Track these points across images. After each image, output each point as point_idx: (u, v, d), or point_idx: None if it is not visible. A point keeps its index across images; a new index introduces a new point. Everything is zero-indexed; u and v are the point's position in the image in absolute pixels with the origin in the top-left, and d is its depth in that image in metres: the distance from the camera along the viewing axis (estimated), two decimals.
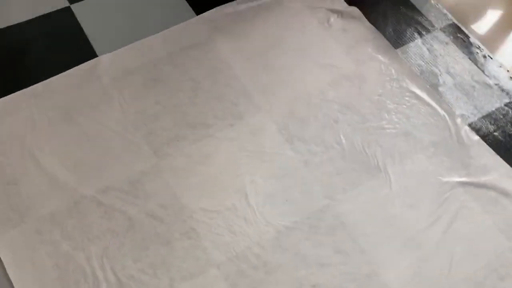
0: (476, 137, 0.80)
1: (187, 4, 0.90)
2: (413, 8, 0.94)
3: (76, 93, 0.79)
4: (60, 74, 0.81)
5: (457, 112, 0.82)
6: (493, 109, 0.83)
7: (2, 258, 0.65)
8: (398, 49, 0.88)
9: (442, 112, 0.82)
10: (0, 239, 0.66)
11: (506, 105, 0.83)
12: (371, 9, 0.92)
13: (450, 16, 0.93)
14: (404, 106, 0.82)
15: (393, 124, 0.80)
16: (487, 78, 0.86)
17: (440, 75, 0.86)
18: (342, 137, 0.78)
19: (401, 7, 0.94)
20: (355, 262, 0.68)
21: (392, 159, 0.77)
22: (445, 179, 0.75)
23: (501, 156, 0.77)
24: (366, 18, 0.90)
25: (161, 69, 0.81)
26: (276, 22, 0.88)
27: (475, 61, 0.88)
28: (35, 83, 0.78)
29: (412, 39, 0.90)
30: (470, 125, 0.81)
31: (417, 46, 0.89)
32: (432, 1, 0.94)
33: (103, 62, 0.81)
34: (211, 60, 0.83)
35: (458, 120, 0.81)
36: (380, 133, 0.79)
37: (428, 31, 0.91)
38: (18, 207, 0.68)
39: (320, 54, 0.85)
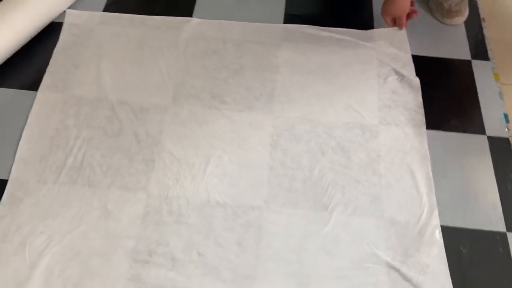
0: (440, 242, 0.73)
1: (284, 10, 0.99)
2: (474, 105, 0.87)
3: (158, 33, 0.94)
4: (159, 17, 0.97)
5: (442, 212, 0.75)
6: (482, 228, 0.74)
7: (33, 106, 0.83)
8: (430, 130, 0.83)
9: (424, 201, 0.77)
10: (41, 93, 0.85)
11: (497, 235, 0.74)
12: (436, 84, 0.89)
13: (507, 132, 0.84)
14: (393, 178, 0.79)
15: (370, 184, 0.78)
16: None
17: (447, 177, 0.79)
18: (317, 168, 0.79)
19: (464, 98, 0.88)
20: (244, 261, 0.70)
21: (344, 209, 0.75)
22: (378, 253, 0.71)
23: (452, 280, 0.69)
24: (424, 91, 0.88)
25: (226, 47, 0.92)
26: (342, 58, 0.91)
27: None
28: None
29: (449, 129, 0.85)
30: (444, 228, 0.74)
31: (449, 139, 0.83)
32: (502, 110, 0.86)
33: (192, 22, 0.95)
34: (266, 59, 0.91)
35: (435, 216, 0.75)
36: (352, 184, 0.78)
37: (471, 131, 0.84)
38: (66, 82, 0.87)
39: (358, 98, 0.86)
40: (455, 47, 0.96)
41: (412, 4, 0.93)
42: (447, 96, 0.89)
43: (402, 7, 0.91)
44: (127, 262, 0.69)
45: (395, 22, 0.95)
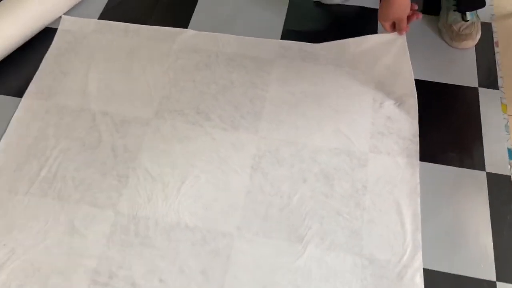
0: (421, 286, 0.67)
1: (282, 25, 0.94)
2: (476, 137, 0.81)
3: (150, 44, 0.92)
4: (153, 26, 0.94)
5: (427, 253, 0.69)
6: (470, 275, 0.68)
7: (15, 113, 0.82)
8: (424, 162, 0.77)
9: (408, 240, 0.71)
10: (25, 101, 0.84)
11: (485, 284, 0.67)
12: (437, 112, 0.83)
13: None
14: (378, 212, 0.73)
15: (352, 217, 0.73)
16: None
17: (437, 215, 0.73)
18: (296, 196, 0.74)
19: (466, 129, 0.81)
20: None
21: (321, 242, 0.70)
22: None
23: None
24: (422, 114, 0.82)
25: (217, 61, 0.88)
26: (337, 77, 0.86)
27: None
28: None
29: (445, 162, 0.78)
30: (427, 271, 0.68)
31: (444, 173, 0.77)
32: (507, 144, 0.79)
33: (186, 34, 0.92)
34: (257, 76, 0.86)
35: (418, 258, 0.69)
36: (332, 215, 0.73)
37: (470, 166, 0.77)
38: (52, 89, 0.85)
39: (349, 124, 0.81)
40: (462, 72, 0.89)
41: (412, 6, 0.83)
42: (448, 126, 0.83)
43: (402, 8, 0.81)
44: (86, 283, 0.66)
45: (395, 27, 0.86)
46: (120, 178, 0.75)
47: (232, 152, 0.79)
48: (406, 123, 0.82)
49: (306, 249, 0.69)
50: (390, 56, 0.85)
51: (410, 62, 0.84)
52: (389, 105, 0.83)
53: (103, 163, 0.77)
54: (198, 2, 0.99)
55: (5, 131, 0.80)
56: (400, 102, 0.83)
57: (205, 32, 0.93)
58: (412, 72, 0.84)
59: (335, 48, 0.88)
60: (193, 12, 0.97)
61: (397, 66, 0.84)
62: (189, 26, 0.95)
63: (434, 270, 0.68)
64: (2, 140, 0.79)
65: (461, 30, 0.90)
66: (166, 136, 0.80)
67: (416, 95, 0.83)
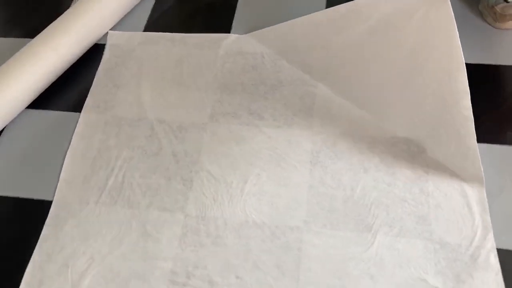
0: (497, 266, 0.67)
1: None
2: None
3: (196, 51, 0.94)
4: (198, 34, 0.97)
5: (498, 233, 0.69)
6: None
7: (77, 127, 0.85)
8: (482, 143, 0.77)
9: (478, 221, 0.71)
10: (84, 115, 0.87)
11: None
12: (488, 93, 0.82)
13: None
14: (443, 196, 0.73)
15: (416, 203, 0.73)
16: None
17: (502, 195, 0.73)
18: (359, 186, 0.75)
19: None
20: (284, 285, 0.67)
21: (389, 230, 0.71)
22: (426, 278, 0.67)
23: None
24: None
25: (263, 62, 0.90)
26: (381, 69, 0.80)
27: None
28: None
29: (505, 142, 0.78)
30: (501, 251, 0.68)
31: (505, 153, 0.77)
32: None
33: (229, 39, 0.94)
34: (303, 69, 0.88)
35: (490, 239, 0.69)
36: (397, 203, 0.73)
37: None
38: (108, 103, 0.88)
39: (403, 112, 0.79)
40: (508, 52, 0.89)
41: None
42: (501, 106, 0.82)
43: None
44: (165, 285, 0.68)
45: None
46: (184, 182, 0.77)
47: (288, 148, 0.80)
48: None
49: (375, 237, 0.70)
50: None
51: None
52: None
53: (166, 169, 0.79)
54: (238, 5, 1.01)
55: (68, 145, 0.83)
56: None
57: (247, 35, 0.94)
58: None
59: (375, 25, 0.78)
60: (233, 15, 0.99)
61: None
62: (231, 31, 0.97)
63: (508, 250, 0.68)
64: (67, 154, 0.82)
65: (504, 10, 0.90)
66: (223, 138, 0.82)
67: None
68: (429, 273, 0.66)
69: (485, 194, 0.72)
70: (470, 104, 0.69)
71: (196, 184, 0.77)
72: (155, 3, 1.04)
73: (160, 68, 0.92)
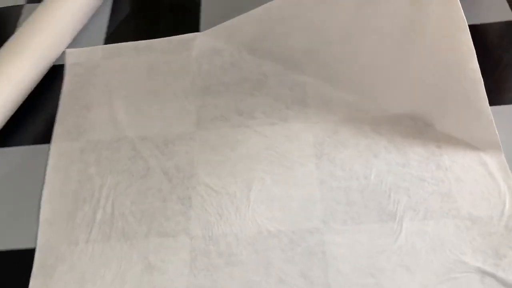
0: None
1: None
2: None
3: (167, 57, 0.86)
4: (165, 38, 0.89)
5: None
6: None
7: (49, 159, 0.75)
8: (493, 106, 0.71)
9: (504, 188, 0.66)
10: (55, 145, 0.77)
11: None
12: (481, 55, 0.77)
13: None
14: (461, 168, 0.69)
15: (436, 180, 0.68)
16: None
17: None
18: (372, 173, 0.69)
19: None
20: None
21: (415, 214, 0.66)
22: (465, 259, 0.61)
23: None
24: None
25: (242, 57, 0.83)
26: (375, 44, 0.74)
27: None
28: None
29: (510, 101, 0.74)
30: None
31: None
32: None
33: (199, 38, 0.87)
34: (287, 57, 0.81)
35: None
36: (416, 184, 0.68)
37: None
38: (79, 128, 0.79)
39: (404, 86, 0.74)
40: (492, 10, 0.85)
41: None
42: (497, 66, 0.79)
43: None
44: None
45: None
46: (182, 201, 0.69)
47: (289, 145, 0.74)
48: None
49: (402, 225, 0.65)
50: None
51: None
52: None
53: (159, 190, 0.71)
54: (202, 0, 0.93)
55: (43, 182, 0.73)
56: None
57: (218, 28, 0.86)
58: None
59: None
60: (200, 12, 0.92)
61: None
62: (200, 29, 0.90)
63: None
64: (44, 192, 0.72)
65: None
66: (215, 146, 0.75)
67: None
68: (466, 254, 0.61)
69: (504, 159, 0.68)
70: (478, 66, 0.64)
71: (196, 200, 0.69)
72: (111, 13, 0.95)
73: (131, 80, 0.84)
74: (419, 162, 0.70)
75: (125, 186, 0.72)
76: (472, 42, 0.63)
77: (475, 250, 0.62)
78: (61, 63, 0.88)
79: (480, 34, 0.81)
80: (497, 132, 0.68)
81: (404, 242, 0.63)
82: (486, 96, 0.66)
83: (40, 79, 0.84)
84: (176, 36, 0.89)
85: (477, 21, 0.83)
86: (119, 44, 0.89)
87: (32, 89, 0.83)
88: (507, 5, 0.85)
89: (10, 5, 0.97)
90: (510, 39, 0.81)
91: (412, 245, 0.63)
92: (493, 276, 0.60)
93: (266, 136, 0.75)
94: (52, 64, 0.86)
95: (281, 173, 0.71)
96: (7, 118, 0.79)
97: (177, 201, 0.70)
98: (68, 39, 0.89)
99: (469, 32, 0.63)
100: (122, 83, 0.84)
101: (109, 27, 0.93)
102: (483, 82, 0.65)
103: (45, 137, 0.79)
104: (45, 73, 0.85)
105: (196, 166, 0.73)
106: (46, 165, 0.75)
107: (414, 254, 0.62)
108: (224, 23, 0.85)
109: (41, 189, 0.73)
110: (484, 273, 0.60)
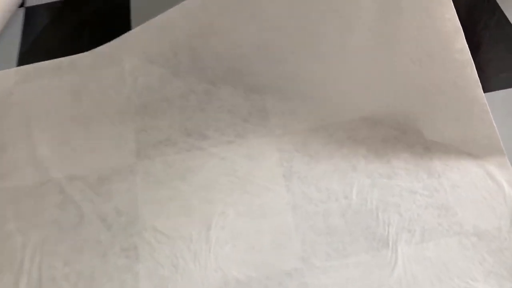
0: None
1: None
2: None
3: (95, 73, 0.72)
4: (91, 51, 0.74)
5: None
6: None
7: None
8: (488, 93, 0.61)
9: (509, 191, 0.56)
10: None
11: None
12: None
13: None
14: (455, 171, 0.58)
15: (429, 191, 0.57)
16: None
17: None
18: (354, 190, 0.58)
19: (499, 38, 0.67)
20: None
21: (410, 236, 0.54)
22: (477, 285, 0.50)
23: None
24: None
25: (181, 61, 0.69)
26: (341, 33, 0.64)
27: None
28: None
29: (506, 85, 0.64)
30: None
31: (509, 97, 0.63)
32: None
33: (129, 41, 0.72)
34: (234, 56, 0.67)
35: None
36: (406, 198, 0.57)
37: None
38: None
39: (381, 83, 0.62)
40: None
41: None
42: (478, 46, 0.68)
43: None
44: None
45: None
46: (127, 253, 0.56)
47: (251, 167, 0.61)
48: None
49: (397, 251, 0.53)
50: None
51: None
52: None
53: (97, 242, 0.57)
54: (131, 2, 0.79)
55: None
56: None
57: (147, 26, 0.71)
58: None
59: None
60: (130, 16, 0.78)
61: None
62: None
63: None
64: None
65: None
66: (161, 178, 0.61)
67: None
68: (478, 280, 0.51)
69: (506, 156, 0.57)
70: (466, 45, 0.53)
71: (143, 250, 0.56)
72: (23, 27, 0.80)
73: (53, 107, 0.69)
74: (407, 171, 0.58)
75: (54, 242, 0.58)
76: (457, 18, 0.52)
77: (487, 274, 0.51)
78: None
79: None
80: (494, 124, 0.57)
81: (402, 272, 0.52)
82: (478, 80, 0.55)
83: None
84: (103, 46, 0.74)
85: None
86: (36, 64, 0.74)
87: None
88: None
89: None
90: (489, 13, 0.71)
91: (413, 275, 0.52)
92: None
93: (223, 159, 0.62)
94: None
95: (245, 202, 0.58)
96: None
97: (121, 253, 0.56)
98: None
99: (453, 7, 0.51)
100: (43, 112, 0.69)
101: (22, 44, 0.78)
102: (473, 65, 0.54)
103: None
104: None
105: (141, 206, 0.59)
106: None
107: (416, 286, 0.51)
108: (153, 19, 0.70)
109: None
110: None
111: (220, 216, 0.58)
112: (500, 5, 0.70)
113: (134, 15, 0.79)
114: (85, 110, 0.69)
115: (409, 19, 0.54)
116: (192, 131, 0.65)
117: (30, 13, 0.82)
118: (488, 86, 0.63)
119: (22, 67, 0.75)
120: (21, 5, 0.82)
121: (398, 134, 0.61)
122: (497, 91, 0.64)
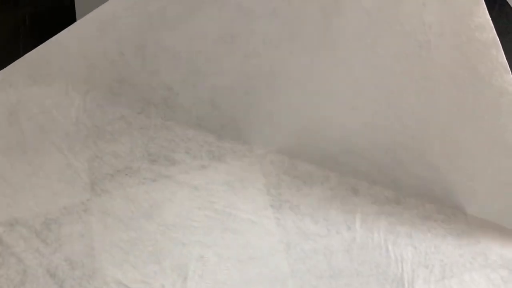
0: None
1: None
2: None
3: (36, 90, 0.59)
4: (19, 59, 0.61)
5: None
6: None
7: None
8: None
9: None
10: None
11: None
12: None
13: None
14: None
15: (446, 214, 0.48)
16: None
17: None
18: (357, 219, 0.49)
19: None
20: None
21: (428, 272, 0.46)
22: None
23: None
24: None
25: (129, 63, 0.57)
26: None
27: None
28: None
29: None
30: None
31: None
32: None
33: (65, 44, 0.58)
34: (191, 53, 0.55)
35: None
36: (418, 225, 0.48)
37: None
38: None
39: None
40: None
41: None
42: None
43: None
44: None
45: None
46: None
47: (231, 195, 0.51)
48: None
49: None
50: None
51: None
52: None
53: None
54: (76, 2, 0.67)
55: None
56: None
57: (89, 33, 0.58)
58: None
59: None
60: (75, 17, 0.66)
61: None
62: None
63: None
64: None
65: None
66: (122, 217, 0.51)
67: None
68: None
69: None
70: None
71: None
72: None
73: None
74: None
75: None
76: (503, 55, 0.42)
77: None
78: None
79: None
80: None
81: None
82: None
83: None
84: (35, 51, 0.61)
85: None
86: None
87: None
88: None
89: None
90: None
91: None
92: None
93: (196, 188, 0.51)
94: None
95: (227, 242, 0.48)
96: None
97: None
98: None
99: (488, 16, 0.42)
100: None
101: None
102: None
103: None
104: None
105: (99, 254, 0.48)
106: None
107: None
108: (92, 12, 0.56)
109: None
110: None
111: (198, 261, 0.48)
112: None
113: (79, 12, 0.67)
114: (23, 136, 0.57)
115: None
116: (157, 156, 0.54)
117: None
118: None
119: None
120: None
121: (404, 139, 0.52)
122: None
